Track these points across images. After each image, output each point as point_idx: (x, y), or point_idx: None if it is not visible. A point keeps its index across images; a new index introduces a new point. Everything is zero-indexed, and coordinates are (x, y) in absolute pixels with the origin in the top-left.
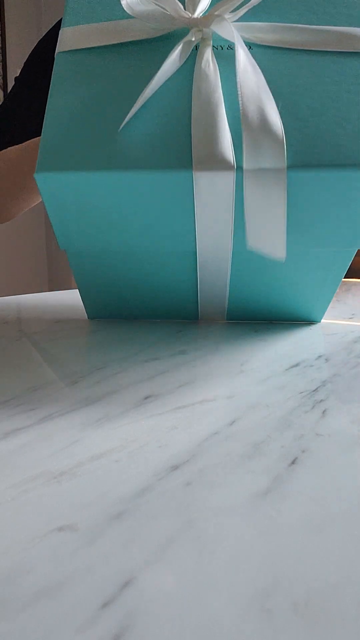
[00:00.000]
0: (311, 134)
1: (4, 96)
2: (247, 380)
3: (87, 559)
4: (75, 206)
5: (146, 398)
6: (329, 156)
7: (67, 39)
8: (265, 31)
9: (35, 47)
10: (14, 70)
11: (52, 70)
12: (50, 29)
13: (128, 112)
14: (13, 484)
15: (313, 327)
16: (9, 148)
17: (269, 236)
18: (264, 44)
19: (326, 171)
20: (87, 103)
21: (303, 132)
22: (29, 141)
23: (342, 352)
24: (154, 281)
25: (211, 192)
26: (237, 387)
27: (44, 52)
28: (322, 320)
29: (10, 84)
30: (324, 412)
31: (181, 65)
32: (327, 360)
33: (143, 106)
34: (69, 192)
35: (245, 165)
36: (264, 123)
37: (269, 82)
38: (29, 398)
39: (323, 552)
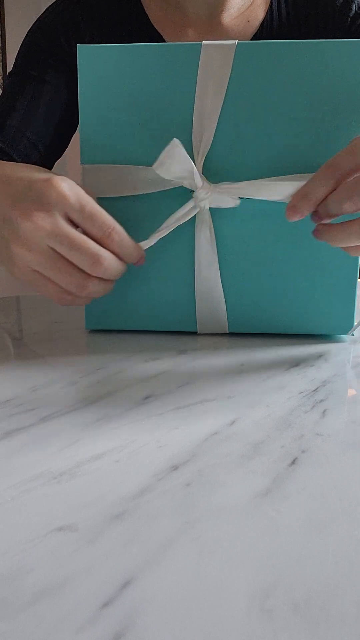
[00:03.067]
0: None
1: None
2: (247, 380)
3: (87, 559)
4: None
5: (146, 398)
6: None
7: (89, 184)
8: (254, 188)
9: (24, 38)
10: None
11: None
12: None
13: (144, 271)
14: (13, 484)
15: None
16: None
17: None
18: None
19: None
20: None
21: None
22: None
23: (342, 352)
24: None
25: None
26: (237, 387)
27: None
28: None
29: None
30: (324, 412)
31: (183, 224)
32: (327, 360)
33: (159, 274)
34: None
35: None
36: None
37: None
38: (29, 398)
39: (323, 552)
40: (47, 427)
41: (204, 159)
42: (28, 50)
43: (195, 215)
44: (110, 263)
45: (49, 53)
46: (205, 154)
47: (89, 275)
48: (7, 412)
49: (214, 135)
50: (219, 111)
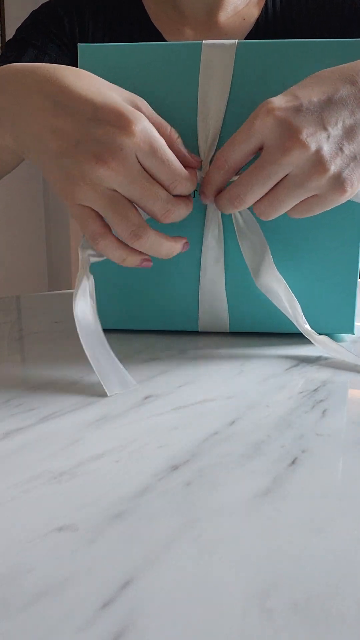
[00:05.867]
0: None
1: None
2: (247, 380)
3: (87, 559)
4: None
5: (146, 398)
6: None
7: None
8: None
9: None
10: None
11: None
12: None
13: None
14: (13, 484)
15: None
16: None
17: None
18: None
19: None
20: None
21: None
22: None
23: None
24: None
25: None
26: (237, 387)
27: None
28: None
29: None
30: (324, 412)
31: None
32: (327, 360)
33: (163, 273)
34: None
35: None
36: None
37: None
38: (29, 398)
39: (323, 552)
40: (47, 427)
41: (210, 159)
42: (31, 24)
43: (205, 213)
44: (178, 215)
45: (52, 30)
46: (213, 153)
47: (143, 221)
48: (7, 412)
49: (220, 134)
50: (224, 110)
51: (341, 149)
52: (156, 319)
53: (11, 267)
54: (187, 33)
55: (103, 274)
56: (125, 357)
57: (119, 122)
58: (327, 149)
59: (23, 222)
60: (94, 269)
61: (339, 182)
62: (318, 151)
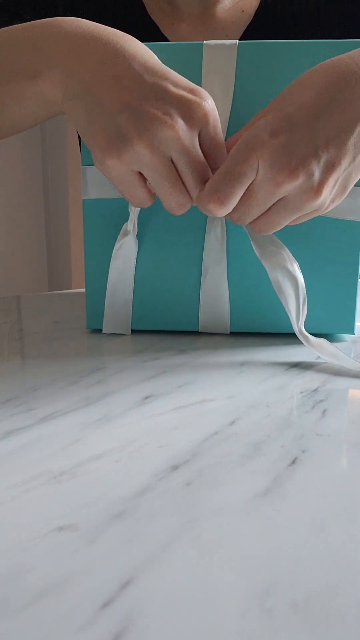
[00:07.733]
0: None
1: None
2: (247, 380)
3: (87, 559)
4: None
5: (146, 398)
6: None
7: (90, 186)
8: None
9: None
10: None
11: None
12: None
13: (148, 268)
14: (13, 484)
15: None
16: None
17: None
18: None
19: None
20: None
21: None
22: None
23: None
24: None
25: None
26: (237, 387)
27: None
28: None
29: None
30: (324, 412)
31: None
32: (327, 360)
33: (164, 273)
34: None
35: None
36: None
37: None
38: (29, 398)
39: (323, 552)
40: (47, 427)
41: None
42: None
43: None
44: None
45: (45, 9)
46: None
47: (190, 199)
48: (7, 412)
49: (227, 132)
50: (229, 110)
51: (333, 166)
52: (156, 319)
53: (11, 267)
54: (182, 28)
55: (104, 275)
56: (125, 357)
57: (194, 92)
58: (318, 174)
59: (23, 222)
60: (97, 273)
61: (331, 198)
62: (309, 178)
